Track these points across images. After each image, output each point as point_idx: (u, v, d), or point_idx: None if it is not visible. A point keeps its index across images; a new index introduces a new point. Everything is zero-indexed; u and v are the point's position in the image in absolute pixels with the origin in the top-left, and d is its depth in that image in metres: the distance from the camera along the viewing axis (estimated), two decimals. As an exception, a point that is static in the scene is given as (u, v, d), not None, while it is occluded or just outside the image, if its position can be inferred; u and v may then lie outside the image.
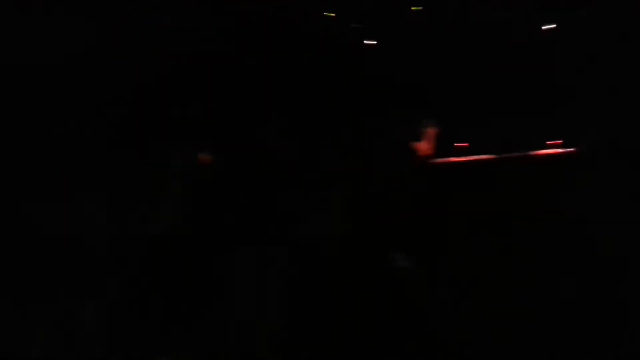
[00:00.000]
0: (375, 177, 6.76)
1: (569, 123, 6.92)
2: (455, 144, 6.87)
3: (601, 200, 6.16)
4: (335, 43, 7.97)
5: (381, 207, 6.39)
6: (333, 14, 7.98)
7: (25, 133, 6.60)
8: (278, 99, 7.38)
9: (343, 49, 7.99)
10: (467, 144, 6.85)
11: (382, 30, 8.03)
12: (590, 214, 6.13)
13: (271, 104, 7.33)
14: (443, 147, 6.75)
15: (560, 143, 6.66)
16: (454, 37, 7.68)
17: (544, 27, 7.32)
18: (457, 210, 6.33)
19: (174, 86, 7.30)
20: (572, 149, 6.51)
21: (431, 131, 6.75)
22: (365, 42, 7.99)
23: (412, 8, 7.80)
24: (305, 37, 7.83)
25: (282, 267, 6.14)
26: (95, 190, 6.45)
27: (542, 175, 6.46)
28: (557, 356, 5.66)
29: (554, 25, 7.34)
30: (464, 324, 5.90)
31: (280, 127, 7.11)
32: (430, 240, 6.17)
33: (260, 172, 6.71)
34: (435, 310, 5.93)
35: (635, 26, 6.84)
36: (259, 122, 7.21)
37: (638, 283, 5.82)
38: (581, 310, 5.85)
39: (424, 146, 6.69)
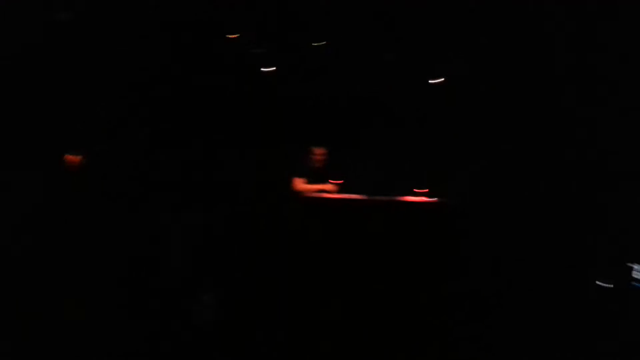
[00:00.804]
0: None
1: (437, 174, 7.42)
2: (331, 181, 7.25)
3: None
4: (236, 66, 8.25)
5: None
6: (236, 35, 8.23)
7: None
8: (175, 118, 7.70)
9: (242, 72, 8.28)
10: (341, 181, 7.24)
11: (283, 58, 8.35)
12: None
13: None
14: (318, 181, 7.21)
15: (426, 192, 7.09)
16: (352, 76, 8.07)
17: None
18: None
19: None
20: (436, 199, 6.95)
21: (316, 162, 7.20)
22: (263, 69, 8.31)
23: (314, 44, 8.14)
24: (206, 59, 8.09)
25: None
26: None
27: (403, 219, 6.88)
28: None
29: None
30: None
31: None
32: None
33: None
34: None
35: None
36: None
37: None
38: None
39: (302, 180, 7.14)
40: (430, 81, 7.81)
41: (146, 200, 7.00)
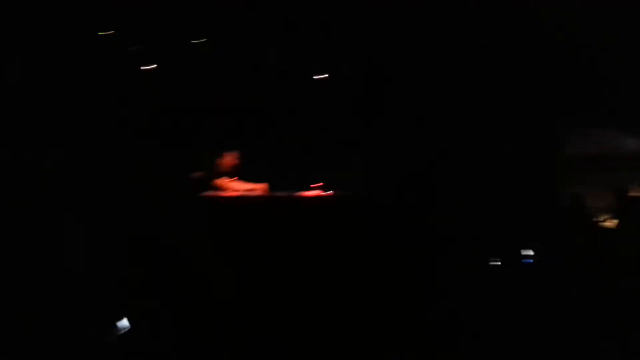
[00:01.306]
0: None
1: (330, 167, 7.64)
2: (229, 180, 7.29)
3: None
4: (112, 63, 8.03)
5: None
6: (111, 32, 8.01)
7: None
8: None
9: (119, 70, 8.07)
10: (237, 178, 7.30)
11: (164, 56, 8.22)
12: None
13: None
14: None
15: (321, 186, 7.28)
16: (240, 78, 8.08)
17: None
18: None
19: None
20: (330, 193, 7.16)
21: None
22: (142, 67, 8.15)
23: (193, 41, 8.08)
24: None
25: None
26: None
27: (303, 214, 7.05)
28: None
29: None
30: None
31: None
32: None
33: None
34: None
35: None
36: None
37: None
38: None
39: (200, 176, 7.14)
40: (314, 77, 7.98)
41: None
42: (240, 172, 7.27)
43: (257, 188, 7.19)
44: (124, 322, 6.21)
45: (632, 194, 7.46)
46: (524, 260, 6.94)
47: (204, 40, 8.13)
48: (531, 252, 7.01)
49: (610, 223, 7.29)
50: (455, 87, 7.73)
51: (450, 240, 7.01)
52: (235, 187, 7.17)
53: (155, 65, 8.24)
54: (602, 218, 7.25)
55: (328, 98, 7.93)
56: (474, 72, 7.61)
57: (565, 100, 7.76)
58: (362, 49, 7.77)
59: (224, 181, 7.15)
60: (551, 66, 7.69)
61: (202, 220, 6.88)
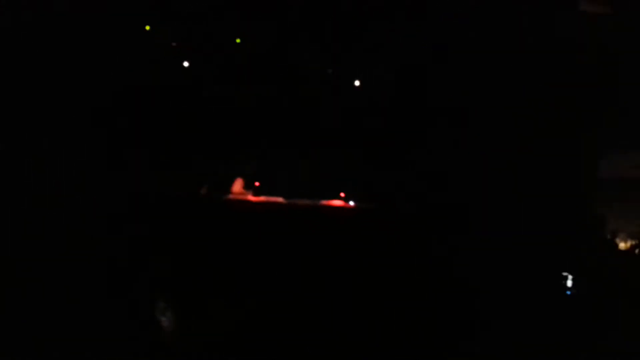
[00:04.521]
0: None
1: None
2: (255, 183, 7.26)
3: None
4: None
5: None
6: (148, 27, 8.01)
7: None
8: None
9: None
10: (259, 184, 7.26)
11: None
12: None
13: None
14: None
15: (344, 197, 7.19)
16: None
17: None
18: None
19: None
20: (352, 204, 7.07)
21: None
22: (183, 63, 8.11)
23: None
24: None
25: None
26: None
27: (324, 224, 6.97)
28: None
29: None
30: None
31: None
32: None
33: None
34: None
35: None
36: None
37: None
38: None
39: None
40: (355, 83, 7.83)
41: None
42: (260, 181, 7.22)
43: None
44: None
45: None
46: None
47: (239, 40, 8.06)
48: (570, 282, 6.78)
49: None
50: (492, 96, 7.48)
51: (476, 258, 6.84)
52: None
53: (190, 63, 8.21)
54: (628, 243, 6.97)
55: (358, 102, 7.76)
56: (510, 83, 7.35)
57: (605, 118, 7.45)
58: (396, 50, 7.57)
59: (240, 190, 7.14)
60: (592, 84, 7.37)
61: (221, 224, 6.88)
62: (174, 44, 8.13)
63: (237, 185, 7.21)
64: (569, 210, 7.06)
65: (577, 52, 7.24)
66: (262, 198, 7.20)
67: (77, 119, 7.31)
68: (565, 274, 6.87)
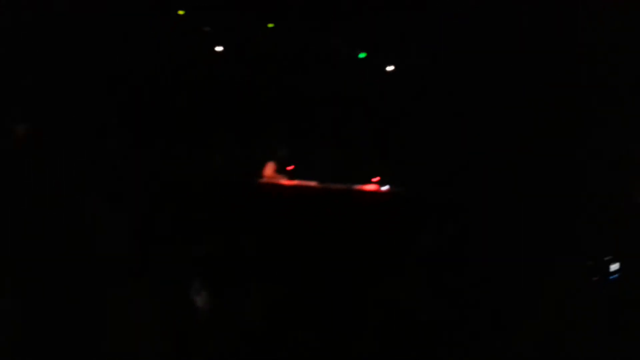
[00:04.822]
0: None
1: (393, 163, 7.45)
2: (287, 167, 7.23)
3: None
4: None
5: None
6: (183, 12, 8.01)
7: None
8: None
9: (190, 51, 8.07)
10: (293, 167, 7.22)
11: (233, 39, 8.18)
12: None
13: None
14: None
15: (378, 180, 7.14)
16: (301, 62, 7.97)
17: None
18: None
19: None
20: (387, 188, 7.00)
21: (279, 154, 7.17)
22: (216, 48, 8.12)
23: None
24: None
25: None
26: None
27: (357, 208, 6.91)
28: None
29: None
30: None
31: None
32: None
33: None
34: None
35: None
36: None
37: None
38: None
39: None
40: (387, 68, 7.79)
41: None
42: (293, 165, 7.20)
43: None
44: None
45: None
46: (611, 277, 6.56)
47: (273, 25, 8.05)
48: (618, 266, 6.62)
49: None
50: (528, 85, 7.39)
51: (514, 243, 6.72)
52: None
53: (223, 48, 8.22)
54: None
55: (393, 89, 7.72)
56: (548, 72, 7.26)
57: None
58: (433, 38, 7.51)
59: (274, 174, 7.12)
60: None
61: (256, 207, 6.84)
62: (207, 28, 8.15)
63: (269, 169, 7.17)
64: (614, 199, 6.96)
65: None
66: (295, 182, 7.15)
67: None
68: (609, 257, 6.71)
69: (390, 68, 7.79)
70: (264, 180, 7.12)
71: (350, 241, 6.71)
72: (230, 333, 6.21)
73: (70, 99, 7.21)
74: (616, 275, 6.52)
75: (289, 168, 7.23)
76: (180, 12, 8.01)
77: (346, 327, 6.27)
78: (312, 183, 7.05)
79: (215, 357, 5.87)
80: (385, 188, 7.04)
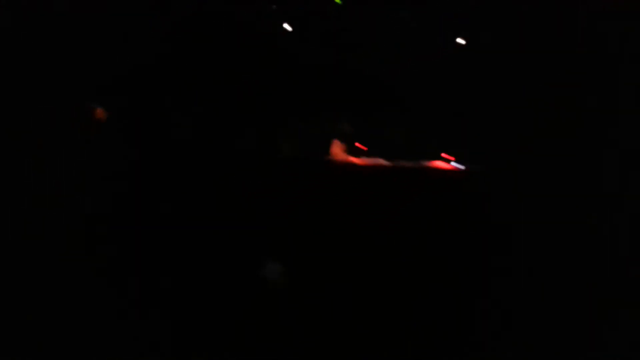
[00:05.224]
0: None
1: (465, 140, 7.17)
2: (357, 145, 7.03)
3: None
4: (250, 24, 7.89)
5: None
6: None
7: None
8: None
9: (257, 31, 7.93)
10: (365, 147, 7.02)
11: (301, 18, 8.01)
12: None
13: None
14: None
15: (452, 159, 6.88)
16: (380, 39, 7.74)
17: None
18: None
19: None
20: (462, 166, 6.74)
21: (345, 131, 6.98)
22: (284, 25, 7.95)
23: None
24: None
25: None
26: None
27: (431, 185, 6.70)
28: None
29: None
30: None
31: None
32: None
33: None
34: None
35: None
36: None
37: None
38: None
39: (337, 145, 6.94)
40: (457, 40, 7.49)
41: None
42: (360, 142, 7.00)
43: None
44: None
45: None
46: None
47: (339, 1, 7.84)
48: None
49: None
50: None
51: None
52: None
53: (289, 26, 8.05)
54: None
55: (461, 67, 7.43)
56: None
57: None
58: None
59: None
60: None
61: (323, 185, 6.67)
62: (274, 6, 8.00)
63: (336, 147, 6.97)
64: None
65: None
66: (363, 159, 6.94)
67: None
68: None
69: (461, 41, 7.50)
70: (332, 157, 6.93)
71: (423, 218, 6.51)
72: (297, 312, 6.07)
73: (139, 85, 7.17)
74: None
75: (358, 146, 7.03)
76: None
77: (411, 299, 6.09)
78: (380, 160, 6.85)
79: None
80: (458, 166, 6.77)
